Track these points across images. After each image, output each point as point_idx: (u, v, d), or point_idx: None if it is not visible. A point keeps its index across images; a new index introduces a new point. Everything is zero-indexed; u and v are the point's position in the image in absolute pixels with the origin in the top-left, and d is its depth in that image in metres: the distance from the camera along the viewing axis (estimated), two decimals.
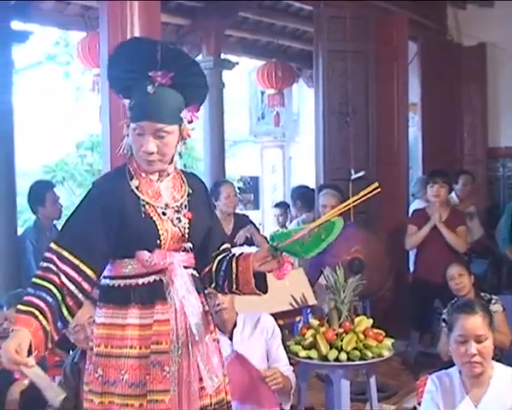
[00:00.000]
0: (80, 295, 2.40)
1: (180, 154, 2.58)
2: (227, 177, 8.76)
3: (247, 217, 6.09)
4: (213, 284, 2.66)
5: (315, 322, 3.99)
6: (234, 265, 2.57)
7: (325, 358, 3.79)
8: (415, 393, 3.76)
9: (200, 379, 2.52)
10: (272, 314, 3.73)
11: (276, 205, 8.31)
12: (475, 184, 7.32)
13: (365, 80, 6.52)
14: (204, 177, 8.79)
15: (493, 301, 4.64)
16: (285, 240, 2.44)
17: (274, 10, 8.45)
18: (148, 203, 2.49)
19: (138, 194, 2.49)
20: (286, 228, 7.34)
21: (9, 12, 6.24)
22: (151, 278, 2.49)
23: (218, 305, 3.45)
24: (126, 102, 2.52)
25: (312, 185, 6.73)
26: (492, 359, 2.86)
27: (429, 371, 3.35)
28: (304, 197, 6.85)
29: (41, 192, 5.71)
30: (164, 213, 2.51)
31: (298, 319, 4.70)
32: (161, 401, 2.43)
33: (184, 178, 2.64)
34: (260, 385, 3.38)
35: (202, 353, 2.53)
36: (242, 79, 12.79)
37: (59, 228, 5.66)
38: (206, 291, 2.70)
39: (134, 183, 2.51)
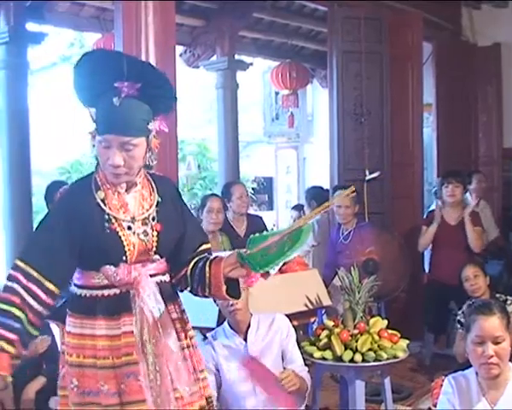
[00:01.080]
0: (41, 309, 2.39)
1: (148, 165, 2.52)
2: (241, 177, 8.78)
3: (261, 218, 6.08)
4: (189, 288, 2.62)
5: (329, 323, 3.98)
6: (207, 269, 2.53)
7: (340, 359, 3.79)
8: (429, 394, 3.74)
9: (175, 389, 2.51)
10: (287, 315, 3.72)
11: (293, 207, 8.31)
12: (488, 182, 7.29)
13: (380, 81, 6.50)
14: (219, 177, 8.82)
15: (509, 302, 4.61)
16: (257, 246, 2.40)
17: (288, 11, 8.45)
18: (114, 217, 2.45)
19: (104, 208, 2.45)
20: None
21: (25, 13, 6.28)
22: (117, 290, 2.47)
23: (232, 306, 3.44)
24: (92, 111, 2.44)
25: (326, 186, 6.71)
26: (510, 360, 2.84)
27: (444, 373, 3.33)
28: (318, 198, 6.82)
29: (57, 192, 5.73)
30: (129, 228, 2.46)
31: (312, 319, 4.69)
32: None
33: (154, 186, 2.58)
34: (276, 390, 3.38)
35: (172, 362, 2.51)
36: (256, 79, 12.79)
37: None
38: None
39: (99, 195, 2.46)
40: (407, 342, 3.97)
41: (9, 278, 2.39)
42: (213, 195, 5.73)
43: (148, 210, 2.52)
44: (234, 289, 2.55)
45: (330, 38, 6.58)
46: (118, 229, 2.44)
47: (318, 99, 11.50)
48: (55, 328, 5.25)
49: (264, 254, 2.40)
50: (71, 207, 2.43)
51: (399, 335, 3.97)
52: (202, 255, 2.62)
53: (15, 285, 2.36)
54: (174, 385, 2.50)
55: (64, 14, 7.10)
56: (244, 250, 2.44)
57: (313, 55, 9.87)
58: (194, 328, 4.08)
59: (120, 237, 2.44)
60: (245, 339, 3.49)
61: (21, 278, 2.36)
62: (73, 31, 10.00)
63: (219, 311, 3.74)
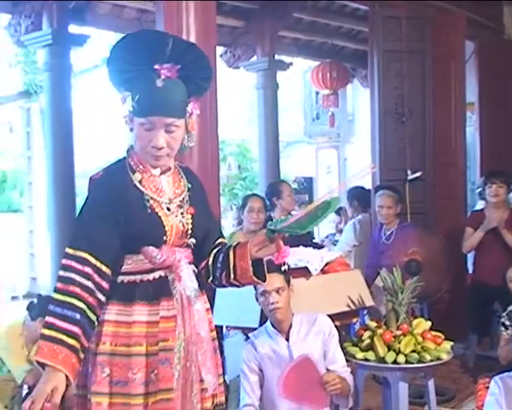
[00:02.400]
0: (100, 295, 2.34)
1: (186, 147, 2.52)
2: (281, 178, 8.76)
3: None
4: (210, 278, 2.60)
5: (372, 324, 3.96)
6: (231, 254, 2.52)
7: (383, 360, 3.76)
8: (473, 396, 3.70)
9: (201, 380, 2.50)
10: (329, 315, 3.70)
11: (336, 211, 8.28)
12: None
13: (421, 80, 6.45)
14: (259, 178, 8.83)
15: None
16: (283, 223, 2.40)
17: (328, 11, 8.44)
18: (152, 198, 2.44)
19: (142, 189, 2.44)
20: (341, 233, 7.30)
21: (67, 16, 6.38)
22: (156, 275, 2.46)
23: (273, 304, 3.43)
24: (126, 95, 2.44)
25: (368, 186, 6.68)
26: None
27: (488, 375, 3.28)
28: (360, 198, 6.80)
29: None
30: (168, 209, 2.47)
31: (354, 320, 4.66)
32: (171, 399, 2.40)
33: (182, 173, 2.60)
34: (318, 390, 3.37)
35: (203, 352, 2.51)
36: (297, 79, 12.77)
37: None
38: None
39: (136, 177, 2.46)
40: (451, 343, 3.93)
41: (63, 267, 2.35)
42: (254, 195, 5.75)
43: (181, 194, 2.53)
44: (260, 271, 2.54)
45: (371, 37, 6.55)
46: (157, 209, 2.44)
47: (359, 99, 11.44)
48: None
49: (297, 223, 2.39)
50: (110, 189, 2.41)
51: (443, 336, 3.93)
52: (220, 246, 2.63)
53: (71, 274, 2.32)
54: (201, 376, 2.50)
55: (105, 16, 7.18)
56: (272, 226, 2.42)
57: (354, 55, 9.83)
58: (236, 328, 4.13)
59: (161, 218, 2.44)
60: (287, 339, 3.49)
61: (75, 264, 2.32)
62: (115, 33, 10.10)
63: (261, 311, 3.74)
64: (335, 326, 3.66)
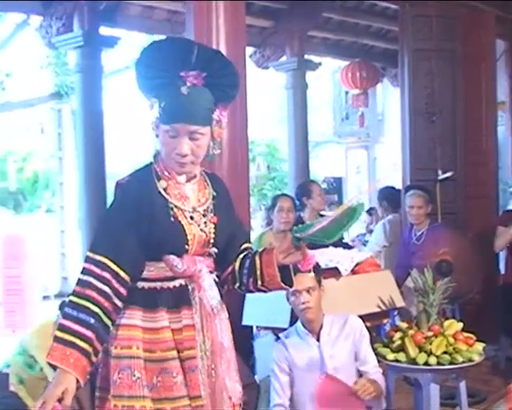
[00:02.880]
0: (117, 301, 2.35)
1: (212, 155, 2.50)
2: (311, 178, 8.75)
3: None
4: (237, 284, 2.59)
5: (403, 325, 3.93)
6: (257, 261, 2.51)
7: (414, 361, 3.74)
8: (505, 398, 3.66)
9: (227, 387, 2.50)
10: (359, 316, 3.69)
11: (366, 211, 8.27)
12: None
13: (452, 79, 6.39)
14: (288, 178, 8.83)
15: None
16: (308, 230, 2.39)
17: (358, 10, 8.41)
18: (176, 206, 2.44)
19: (166, 196, 2.44)
20: (371, 233, 7.27)
21: (98, 18, 6.43)
22: (176, 283, 2.46)
23: (303, 303, 3.43)
24: (154, 101, 2.44)
25: (398, 186, 6.65)
26: None
27: None
28: (390, 198, 6.77)
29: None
30: (192, 218, 2.45)
31: (385, 321, 4.64)
32: (200, 406, 2.41)
33: (208, 180, 2.59)
34: (353, 400, 3.36)
35: (226, 361, 2.51)
36: (326, 79, 12.75)
37: None
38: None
39: (161, 184, 2.45)
40: (483, 345, 3.90)
41: (83, 271, 2.37)
42: (284, 195, 5.75)
43: (205, 202, 2.52)
44: (287, 277, 2.53)
45: (401, 36, 6.52)
46: (180, 218, 2.43)
47: (389, 98, 11.40)
48: None
49: (323, 231, 2.38)
50: (135, 196, 2.41)
51: (475, 338, 3.89)
52: (247, 252, 2.62)
53: (90, 278, 2.33)
54: (226, 383, 2.50)
55: (136, 17, 7.23)
56: (298, 234, 2.41)
57: (383, 54, 9.79)
58: (266, 328, 4.13)
59: (183, 226, 2.43)
60: (318, 339, 3.48)
61: (94, 268, 2.34)
62: (145, 34, 10.16)
63: (292, 311, 3.74)
64: (366, 327, 3.65)
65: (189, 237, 2.43)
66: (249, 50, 8.26)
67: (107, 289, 2.32)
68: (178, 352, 2.41)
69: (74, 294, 2.34)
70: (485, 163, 6.59)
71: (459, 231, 5.60)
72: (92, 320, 2.28)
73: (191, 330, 2.43)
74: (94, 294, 2.31)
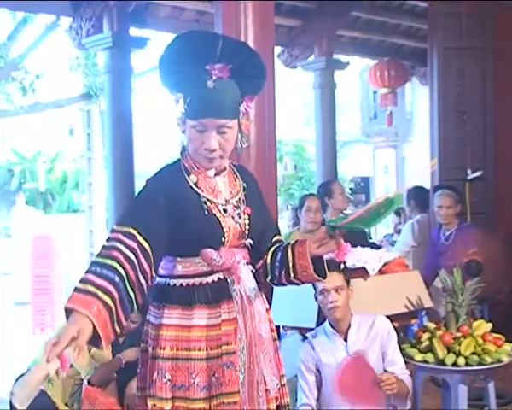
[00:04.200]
0: (141, 278, 2.24)
1: (239, 148, 2.47)
2: (338, 178, 8.74)
3: None
4: (269, 277, 2.56)
5: (431, 325, 3.91)
6: (290, 253, 2.48)
7: (442, 362, 3.71)
8: None
9: (265, 382, 2.47)
10: (387, 316, 3.68)
11: (395, 211, 8.23)
12: None
13: (482, 77, 6.34)
14: (316, 178, 8.82)
15: None
16: (343, 221, 2.40)
17: (387, 9, 8.38)
18: (208, 200, 2.41)
19: (198, 191, 2.41)
20: (399, 233, 7.23)
21: (127, 19, 6.47)
22: (215, 277, 2.42)
23: (331, 303, 3.41)
24: (179, 96, 2.40)
25: (427, 186, 6.61)
26: None
27: None
28: (418, 198, 6.73)
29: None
30: (225, 210, 2.43)
31: (413, 321, 4.62)
32: (234, 402, 2.37)
33: (237, 172, 2.57)
34: (374, 390, 3.34)
35: (265, 353, 2.48)
36: (354, 78, 12.72)
37: None
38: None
39: (192, 179, 2.42)
40: None
41: (108, 239, 2.30)
42: (312, 194, 5.74)
43: (237, 194, 2.50)
44: (320, 268, 2.50)
45: (430, 34, 6.47)
46: (214, 211, 2.40)
47: (418, 97, 11.33)
48: None
49: (359, 220, 2.37)
50: (166, 189, 2.37)
51: (504, 338, 3.86)
52: (278, 244, 2.59)
53: (116, 243, 2.25)
54: (265, 376, 2.47)
55: (165, 18, 7.27)
56: (333, 224, 2.41)
57: (412, 53, 9.73)
58: (293, 328, 4.13)
59: (218, 219, 2.40)
60: (345, 339, 3.47)
61: (121, 236, 2.26)
62: (174, 35, 10.20)
63: (318, 311, 3.73)
64: (394, 327, 3.64)
65: (224, 230, 2.40)
66: (277, 50, 8.27)
67: (133, 257, 2.23)
68: (209, 350, 2.38)
69: (99, 255, 2.25)
70: None
71: (489, 231, 5.54)
72: (117, 278, 2.17)
73: (229, 325, 2.41)
74: (120, 256, 2.22)
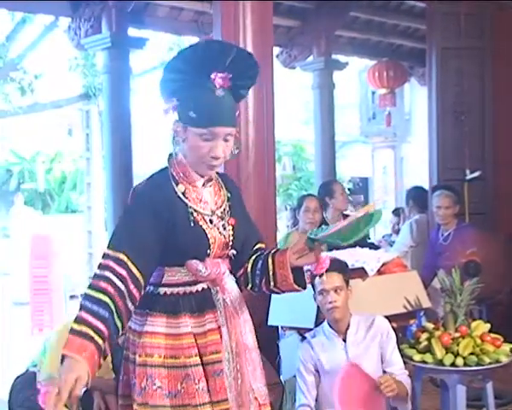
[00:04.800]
0: (130, 304, 2.29)
1: (234, 155, 2.50)
2: (337, 178, 8.74)
3: None
4: (249, 285, 2.57)
5: (430, 325, 3.91)
6: (270, 261, 2.48)
7: (440, 362, 3.71)
8: None
9: (253, 389, 2.48)
10: (385, 317, 3.68)
11: (393, 211, 8.25)
12: None
13: (480, 78, 6.34)
14: (314, 178, 8.82)
15: None
16: (325, 232, 2.38)
17: (385, 9, 8.39)
18: (195, 211, 2.41)
19: (185, 200, 2.41)
20: (397, 233, 7.24)
21: (126, 19, 6.47)
22: (199, 287, 2.44)
23: (331, 303, 3.42)
24: (174, 103, 2.41)
25: (426, 186, 6.61)
26: None
27: None
28: (416, 198, 6.73)
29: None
30: (211, 221, 2.43)
31: (411, 322, 4.62)
32: (226, 409, 2.39)
33: (221, 182, 2.57)
34: (374, 395, 3.34)
35: (251, 361, 2.49)
36: (353, 79, 12.72)
37: None
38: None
39: (180, 188, 2.42)
40: (510, 346, 3.86)
41: (100, 266, 2.31)
42: (310, 195, 5.73)
43: (222, 205, 2.50)
44: (300, 278, 2.50)
45: (429, 34, 6.48)
46: (201, 222, 2.41)
47: (416, 97, 11.34)
48: None
49: (338, 234, 2.36)
50: (155, 199, 2.38)
51: (502, 339, 3.86)
52: (259, 253, 2.59)
53: (106, 272, 2.27)
54: (252, 385, 2.48)
55: (163, 18, 7.27)
56: (312, 236, 2.40)
57: (411, 53, 9.74)
58: (291, 328, 4.13)
59: (204, 231, 2.40)
60: (344, 340, 3.47)
61: (111, 263, 2.28)
62: (172, 35, 10.20)
63: (317, 311, 3.74)
64: (392, 328, 3.64)
65: (210, 241, 2.41)
66: (276, 50, 8.27)
67: (122, 287, 2.27)
68: (202, 357, 2.39)
69: (90, 286, 2.29)
70: None
71: (487, 232, 5.55)
72: (107, 315, 2.23)
73: (215, 334, 2.42)
74: (109, 288, 2.25)
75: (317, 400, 3.50)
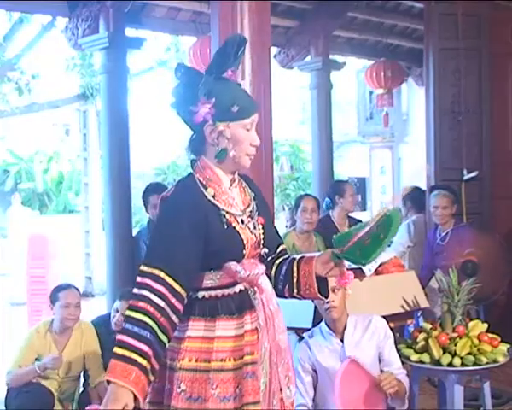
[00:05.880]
0: (174, 317, 2.28)
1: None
2: (335, 178, 8.74)
3: (361, 222, 6.05)
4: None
5: (427, 325, 3.91)
6: (295, 269, 2.51)
7: (438, 362, 3.72)
8: None
9: (281, 389, 2.49)
10: (383, 317, 3.68)
11: None
12: None
13: (478, 78, 6.34)
14: (312, 178, 8.82)
15: None
16: (347, 242, 2.39)
17: (383, 9, 8.39)
18: (227, 212, 2.40)
19: (217, 204, 2.40)
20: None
21: (123, 19, 6.46)
22: (236, 288, 2.43)
23: (328, 303, 3.42)
24: (212, 101, 2.35)
25: (423, 186, 6.61)
26: None
27: None
28: (414, 198, 6.74)
29: (154, 196, 5.70)
30: (242, 221, 2.43)
31: (409, 322, 4.63)
32: None
33: (244, 182, 2.57)
34: (374, 392, 3.34)
35: (285, 362, 2.50)
36: (350, 79, 12.73)
37: None
38: None
39: (209, 192, 2.40)
40: (507, 346, 3.87)
41: (137, 285, 2.29)
42: (308, 195, 5.74)
43: (249, 204, 2.51)
44: (323, 287, 2.53)
45: (427, 35, 6.48)
46: (234, 224, 2.40)
47: (414, 98, 11.34)
48: None
49: (360, 246, 2.37)
50: (187, 207, 2.36)
51: (499, 339, 3.87)
52: (283, 257, 2.61)
53: (144, 291, 2.26)
54: (281, 385, 2.49)
55: (161, 18, 7.26)
56: (337, 249, 2.42)
57: (408, 53, 9.74)
58: (289, 328, 4.13)
59: (238, 231, 2.40)
60: (342, 340, 3.47)
61: (149, 281, 2.27)
62: (170, 35, 10.19)
63: (314, 312, 3.74)
64: (389, 328, 3.64)
65: (244, 242, 2.41)
66: (274, 50, 8.26)
67: (162, 303, 2.25)
68: (233, 360, 2.37)
69: (130, 308, 2.27)
70: (511, 163, 6.53)
71: (485, 232, 5.55)
72: (148, 335, 2.21)
73: (252, 335, 2.41)
74: (149, 307, 2.24)
75: (314, 400, 3.50)
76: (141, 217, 12.04)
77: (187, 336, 2.38)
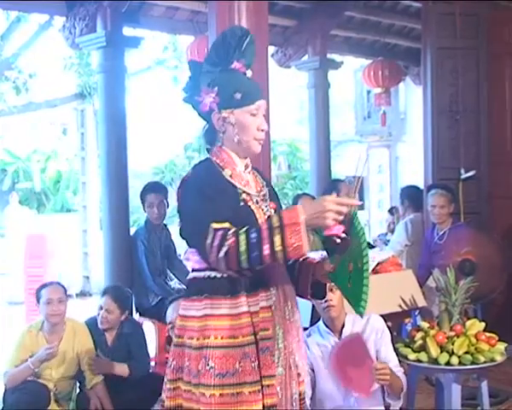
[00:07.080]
0: None
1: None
2: (332, 177, 8.74)
3: None
4: None
5: (425, 324, 3.92)
6: (297, 267, 2.61)
7: (435, 361, 3.72)
8: None
9: (297, 365, 2.55)
10: (381, 315, 3.68)
11: (389, 210, 8.26)
12: None
13: (476, 78, 6.34)
14: (310, 177, 8.82)
15: None
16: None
17: (381, 8, 8.39)
18: (244, 192, 2.51)
19: (235, 183, 2.50)
20: (393, 232, 7.24)
21: (121, 18, 6.45)
22: None
23: (326, 301, 3.42)
24: (215, 90, 2.48)
25: (421, 185, 6.62)
26: None
27: None
28: (411, 197, 6.75)
29: (144, 194, 5.69)
30: (257, 202, 2.53)
31: (407, 321, 4.63)
32: (271, 385, 2.43)
33: (255, 172, 2.66)
34: (367, 374, 3.32)
35: (298, 339, 2.56)
36: (348, 78, 12.73)
37: (169, 228, 5.78)
38: None
39: (227, 172, 2.51)
40: (505, 345, 3.87)
41: (214, 238, 2.34)
42: (305, 194, 5.75)
43: (262, 189, 2.60)
44: (320, 289, 2.64)
45: (424, 34, 6.48)
46: (250, 203, 2.50)
47: (411, 97, 11.35)
48: (149, 325, 5.39)
49: (345, 269, 2.44)
50: (211, 187, 2.44)
51: (497, 338, 3.87)
52: None
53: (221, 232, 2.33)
54: (296, 361, 2.55)
55: (159, 18, 7.26)
56: (328, 266, 2.49)
57: (406, 53, 9.74)
58: None
59: (253, 211, 2.49)
60: (339, 338, 3.48)
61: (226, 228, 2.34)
62: (168, 34, 10.19)
63: (312, 311, 3.74)
64: (387, 327, 3.64)
65: (259, 222, 2.46)
66: (271, 49, 8.27)
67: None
68: (255, 335, 2.45)
69: (226, 245, 2.31)
70: (509, 163, 6.53)
71: (482, 231, 5.56)
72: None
73: (267, 312, 2.47)
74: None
75: (312, 399, 3.50)
76: (139, 216, 12.04)
77: (213, 315, 2.43)
